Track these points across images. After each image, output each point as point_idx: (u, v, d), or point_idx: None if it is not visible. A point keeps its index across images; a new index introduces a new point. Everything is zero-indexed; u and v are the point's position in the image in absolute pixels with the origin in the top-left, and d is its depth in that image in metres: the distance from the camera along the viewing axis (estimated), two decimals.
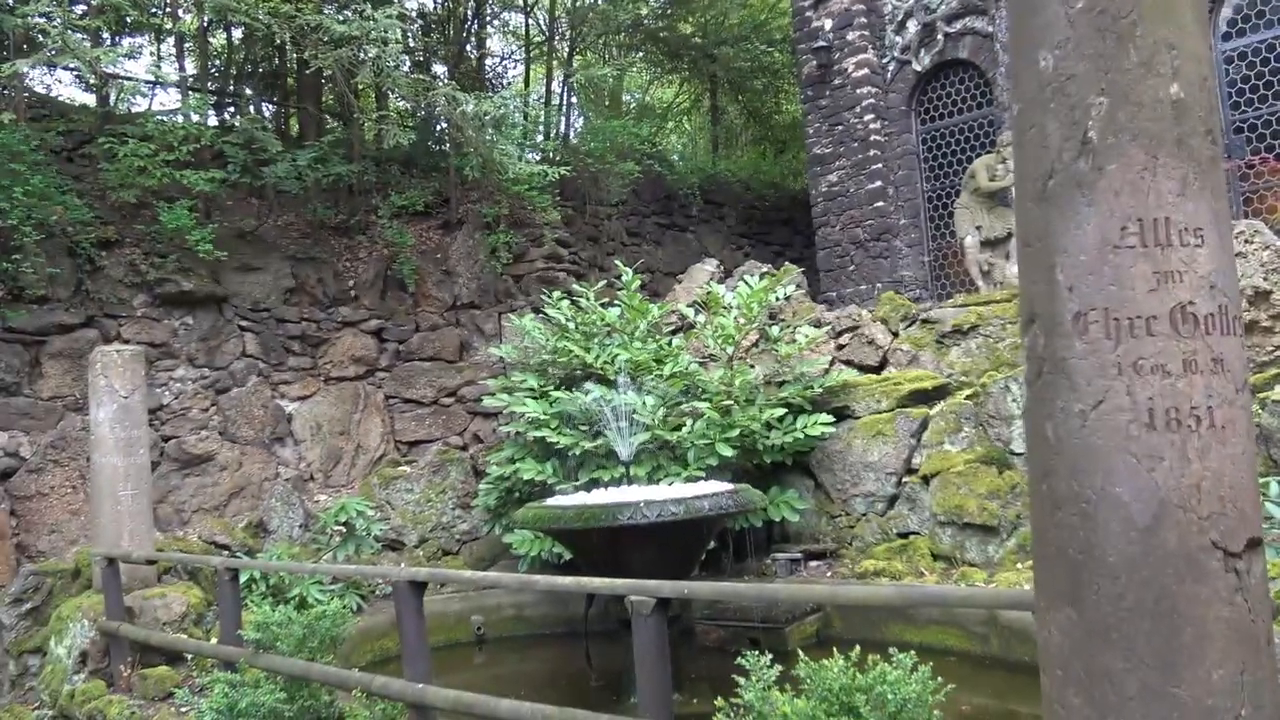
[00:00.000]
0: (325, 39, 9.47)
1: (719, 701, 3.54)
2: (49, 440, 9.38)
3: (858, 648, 3.67)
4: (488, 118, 9.92)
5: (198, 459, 10.37)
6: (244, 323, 10.98)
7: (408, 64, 12.28)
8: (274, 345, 11.24)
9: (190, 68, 12.35)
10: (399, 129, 10.30)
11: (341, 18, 9.32)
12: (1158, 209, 1.75)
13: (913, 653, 3.66)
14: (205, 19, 11.71)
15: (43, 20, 7.92)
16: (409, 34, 12.82)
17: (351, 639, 7.55)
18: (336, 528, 8.84)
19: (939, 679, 3.46)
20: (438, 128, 13.50)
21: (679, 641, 6.88)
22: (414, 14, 12.97)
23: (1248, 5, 10.74)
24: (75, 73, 10.95)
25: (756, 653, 3.88)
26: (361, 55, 9.10)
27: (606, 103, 18.66)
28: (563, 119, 15.34)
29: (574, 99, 16.44)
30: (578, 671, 7.27)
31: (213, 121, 12.20)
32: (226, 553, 8.75)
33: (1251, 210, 10.47)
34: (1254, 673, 1.71)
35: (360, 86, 10.76)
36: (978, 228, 11.58)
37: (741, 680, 3.74)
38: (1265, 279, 8.06)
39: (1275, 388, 5.90)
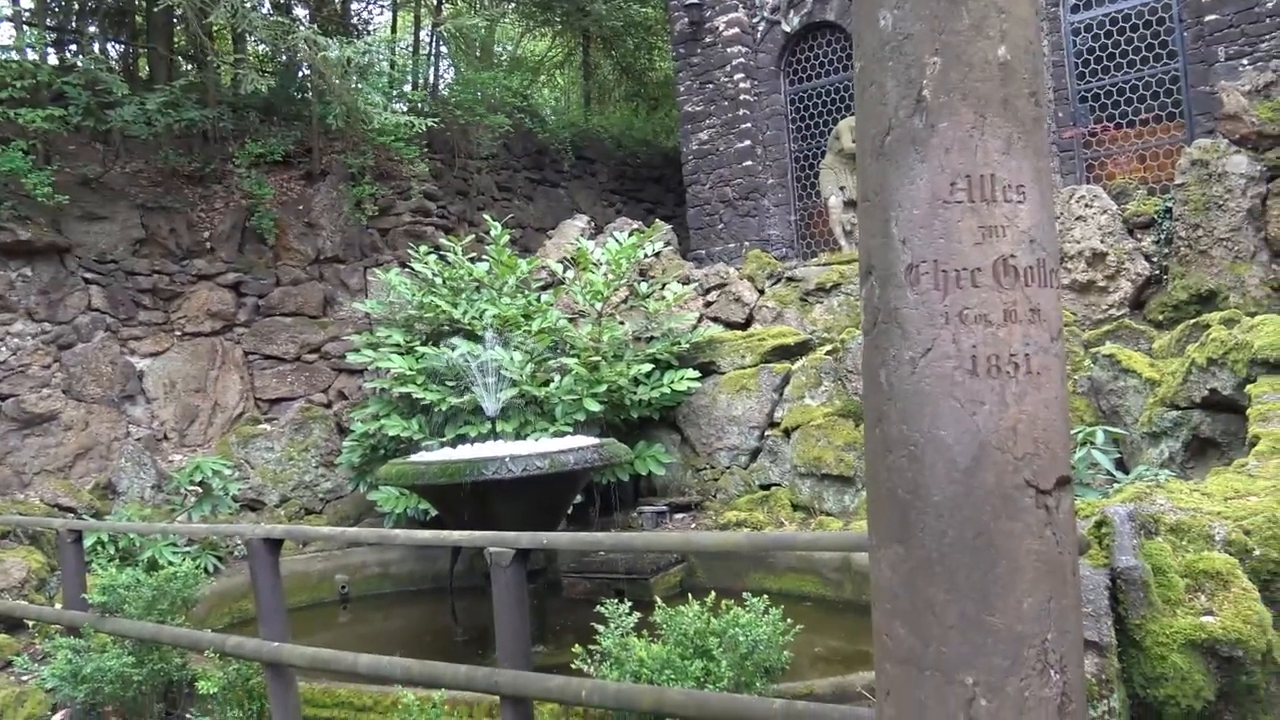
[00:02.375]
0: None
1: (576, 649, 3.60)
2: None
3: (712, 594, 3.79)
4: (351, 65, 9.57)
5: (39, 418, 9.81)
6: (89, 275, 10.39)
7: (267, 5, 11.72)
8: (123, 299, 10.69)
9: (27, 1, 11.51)
10: (257, 74, 9.83)
11: None
12: (984, 166, 1.84)
13: (765, 598, 3.79)
14: None
15: None
16: None
17: (207, 601, 7.34)
18: (191, 488, 8.54)
19: (789, 622, 3.60)
20: (300, 74, 12.97)
21: (545, 594, 6.96)
22: None
23: None
24: None
25: (616, 601, 3.96)
26: None
27: (478, 54, 18.28)
28: (431, 69, 14.95)
29: (444, 49, 16.03)
30: (444, 627, 7.26)
31: (53, 60, 11.40)
32: (71, 515, 8.34)
33: (1094, 176, 11.05)
34: (1060, 601, 1.85)
35: (215, 28, 10.21)
36: (841, 188, 11.89)
37: (601, 629, 3.82)
38: (1102, 241, 8.55)
39: (1105, 343, 6.29)
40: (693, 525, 8.32)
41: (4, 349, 9.78)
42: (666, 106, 18.09)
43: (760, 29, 13.42)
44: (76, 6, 12.77)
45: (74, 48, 12.39)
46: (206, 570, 7.76)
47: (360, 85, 9.98)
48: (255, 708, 4.44)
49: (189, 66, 12.23)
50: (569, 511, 8.35)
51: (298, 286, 11.89)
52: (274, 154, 11.72)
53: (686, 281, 10.08)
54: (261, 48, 13.20)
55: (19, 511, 8.05)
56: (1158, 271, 8.52)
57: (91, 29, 12.94)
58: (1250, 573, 3.05)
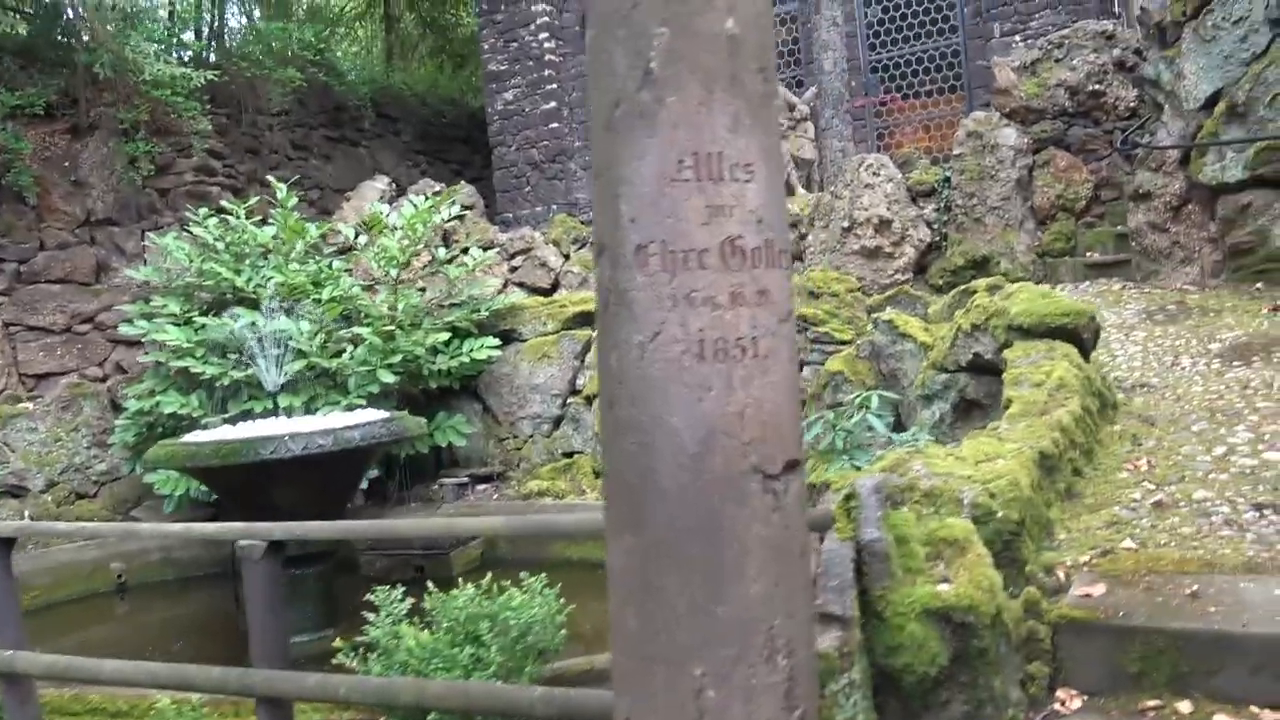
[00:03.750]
0: None
1: (338, 642, 3.43)
2: None
3: (489, 575, 3.69)
4: (116, 9, 8.76)
5: None
6: None
7: None
8: None
9: None
10: (8, 15, 8.86)
11: None
12: (712, 144, 1.78)
13: (544, 575, 3.73)
14: None
15: None
16: None
17: None
18: None
19: (563, 601, 3.54)
20: (64, 17, 11.81)
21: (337, 574, 6.69)
22: None
23: None
24: None
25: (389, 586, 3.81)
26: None
27: (271, 4, 17.20)
28: (215, 16, 13.93)
29: None
30: (229, 613, 6.88)
31: None
32: None
33: (883, 146, 11.51)
34: (787, 584, 1.84)
35: None
36: None
37: (372, 617, 3.66)
38: (888, 209, 8.89)
39: (885, 308, 6.55)
40: (494, 496, 8.19)
41: None
42: (473, 64, 17.61)
43: None
44: None
45: None
46: None
47: (128, 33, 9.15)
48: None
49: None
50: (364, 487, 8.07)
51: (66, 251, 10.91)
52: (34, 105, 10.65)
53: (489, 247, 9.85)
54: None
55: None
56: (938, 238, 8.95)
57: None
58: (994, 534, 3.20)
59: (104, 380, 10.29)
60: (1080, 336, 4.86)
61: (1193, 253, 7.06)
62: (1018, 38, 10.57)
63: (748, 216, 1.80)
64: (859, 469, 4.88)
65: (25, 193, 10.40)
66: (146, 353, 8.53)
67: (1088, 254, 8.30)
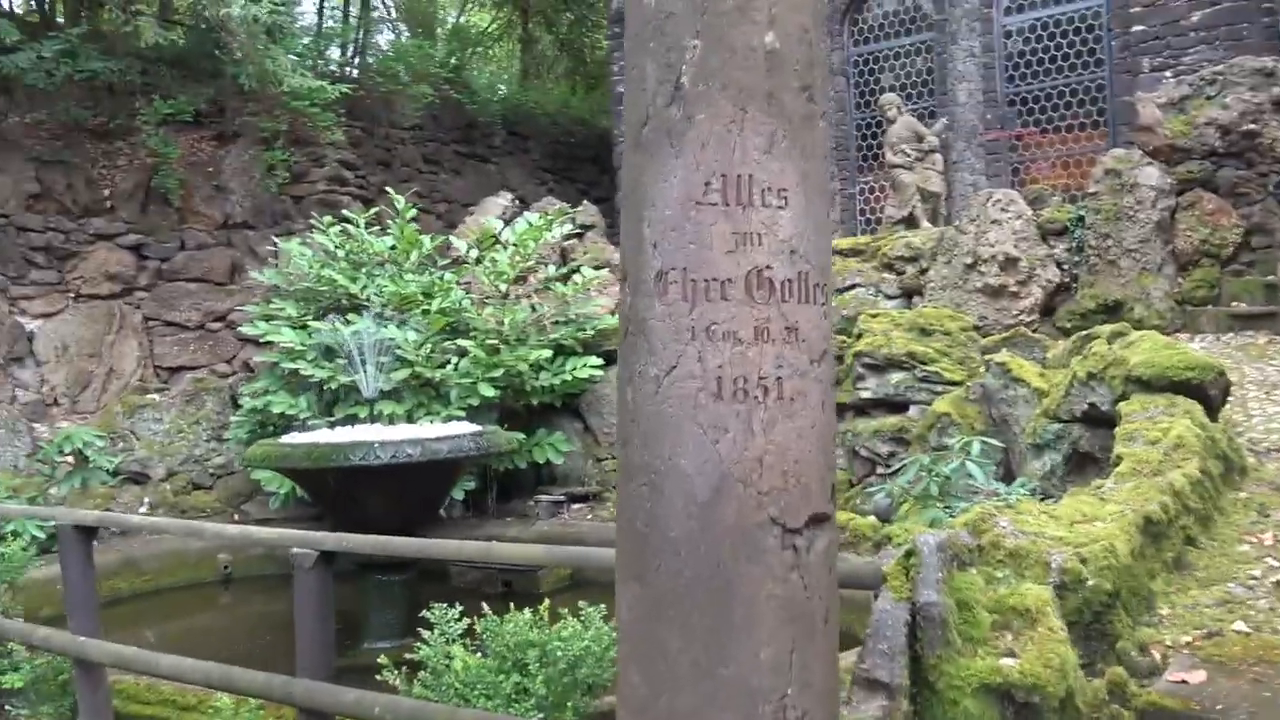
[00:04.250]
0: None
1: (382, 659, 3.39)
2: None
3: (546, 601, 3.59)
4: (258, 23, 9.17)
5: None
6: None
7: None
8: (13, 256, 10.21)
9: None
10: (159, 25, 9.38)
11: None
12: (742, 165, 1.64)
13: (603, 606, 3.60)
14: None
15: None
16: None
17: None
18: (62, 459, 8.14)
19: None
20: (216, 30, 12.47)
21: (426, 583, 6.71)
22: None
23: None
24: None
25: (446, 605, 3.75)
26: None
27: (418, 25, 17.79)
28: (360, 34, 14.48)
29: (375, 14, 15.55)
30: None
31: None
32: None
33: (1018, 181, 11.02)
34: (804, 651, 1.67)
35: None
36: None
37: (425, 633, 3.61)
38: (1015, 246, 8.48)
39: (1000, 350, 6.20)
40: (589, 516, 8.13)
41: None
42: (605, 86, 17.79)
43: None
44: None
45: None
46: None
47: (270, 46, 9.56)
48: (69, 703, 4.17)
49: (84, 13, 11.59)
50: (460, 498, 8.13)
51: (204, 251, 11.47)
52: (184, 112, 11.26)
53: (603, 266, 9.84)
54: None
55: None
56: (1068, 279, 8.47)
57: None
58: (1083, 604, 2.92)
59: (230, 376, 10.73)
60: (1206, 393, 4.46)
61: None
62: (1168, 73, 9.97)
63: (779, 246, 1.65)
64: (953, 519, 4.60)
65: (170, 195, 10.99)
66: (261, 353, 8.83)
67: (1233, 303, 7.71)
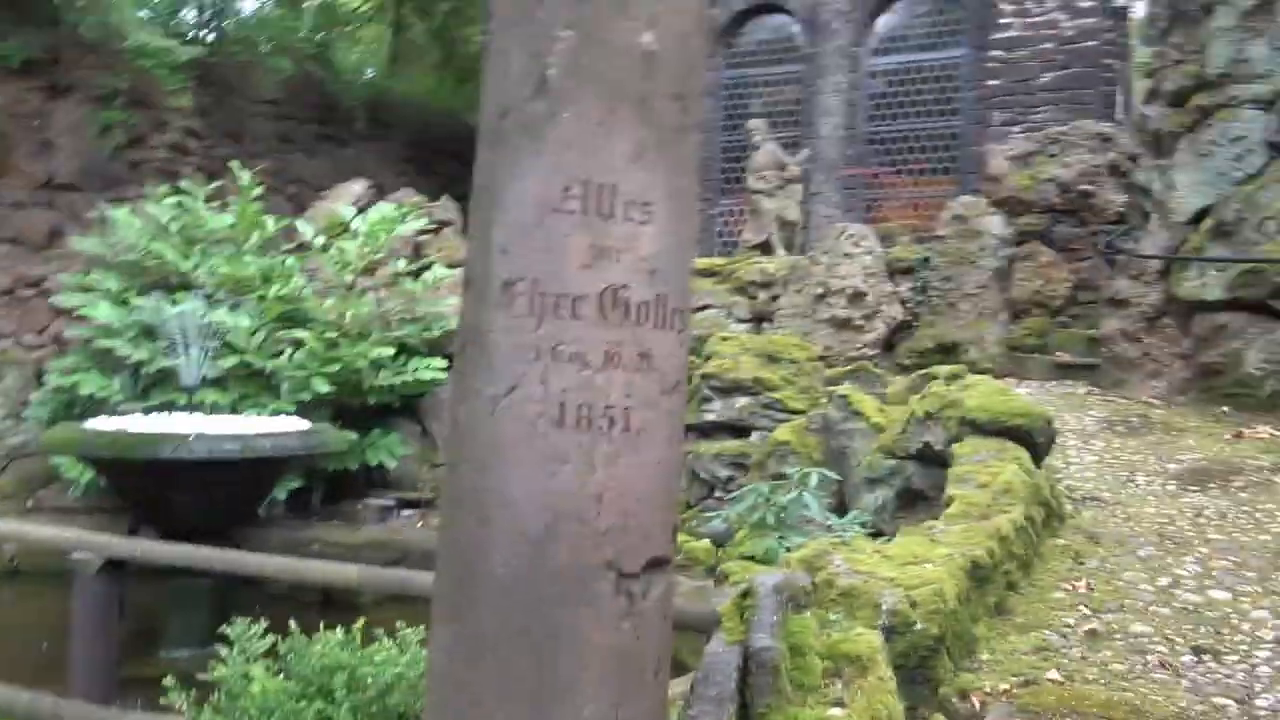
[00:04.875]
0: None
1: (168, 680, 3.08)
2: None
3: (361, 620, 3.35)
4: None
5: None
6: None
7: None
8: None
9: None
10: None
11: None
12: (607, 173, 1.50)
13: (422, 627, 3.39)
14: None
15: None
16: None
17: None
18: None
19: None
20: None
21: (235, 586, 6.28)
22: None
23: (897, 27, 11.58)
24: None
25: (249, 619, 3.45)
26: None
27: None
28: None
29: None
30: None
31: None
32: None
33: (870, 218, 11.35)
34: (633, 706, 1.54)
35: None
36: None
37: (224, 650, 3.31)
38: (864, 281, 8.69)
39: (844, 382, 6.29)
40: (419, 523, 7.82)
41: None
42: (476, 81, 17.44)
43: None
44: None
45: None
46: None
47: None
48: None
49: None
50: (282, 498, 7.68)
51: (20, 211, 10.53)
52: (11, 58, 10.32)
53: (456, 265, 9.55)
54: None
55: None
56: (910, 317, 8.73)
57: None
58: (910, 647, 2.91)
59: (38, 350, 9.87)
60: (1034, 440, 4.61)
61: (1163, 366, 6.86)
62: (1018, 128, 10.47)
63: (638, 264, 1.52)
64: (788, 550, 4.58)
65: None
66: (73, 327, 8.14)
67: (1057, 353, 8.11)
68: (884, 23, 11.63)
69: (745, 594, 2.32)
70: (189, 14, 13.20)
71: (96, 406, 7.41)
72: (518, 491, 1.49)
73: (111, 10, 9.03)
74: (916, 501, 5.18)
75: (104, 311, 7.34)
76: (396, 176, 15.47)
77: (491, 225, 1.54)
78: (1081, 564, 4.12)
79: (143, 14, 9.79)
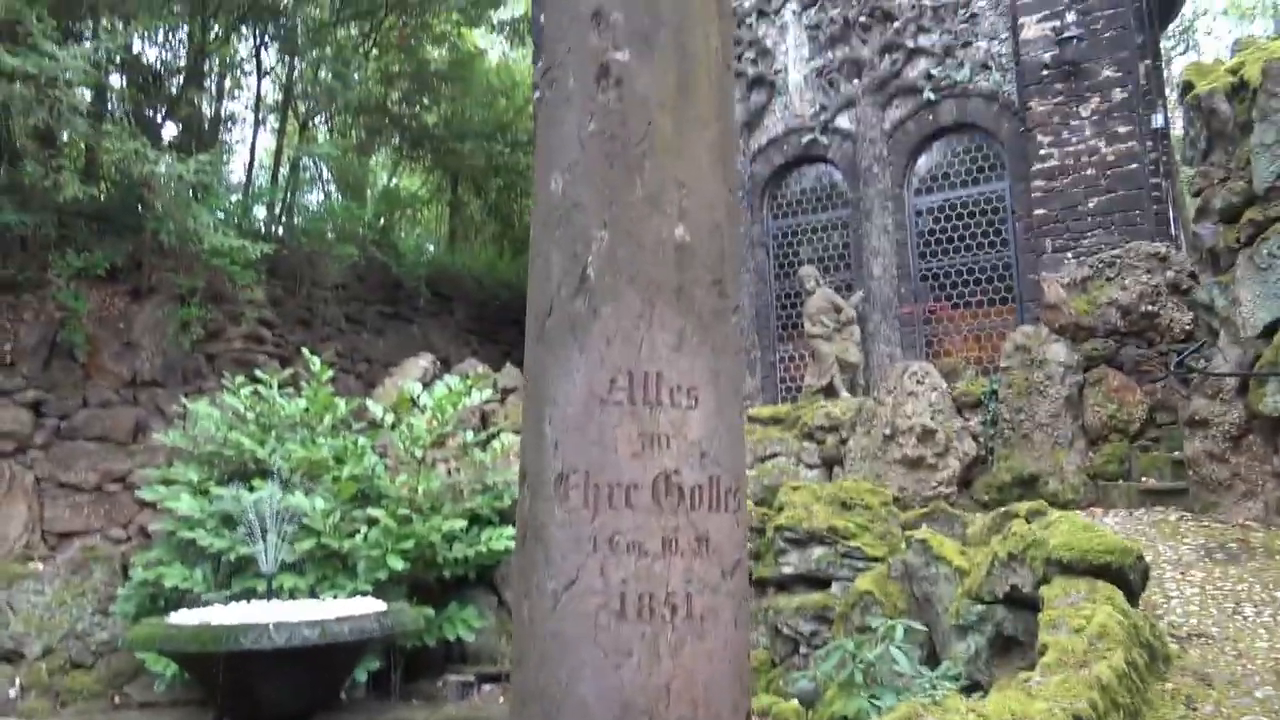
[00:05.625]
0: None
1: None
2: None
3: None
4: (182, 181, 9.11)
5: None
6: None
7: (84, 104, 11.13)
8: None
9: None
10: (75, 180, 9.27)
11: (17, 52, 8.36)
12: (650, 362, 1.55)
13: None
14: None
15: None
16: (108, 79, 11.71)
17: None
18: None
19: None
20: (140, 187, 12.40)
21: None
22: (122, 60, 11.86)
23: (937, 166, 11.81)
24: None
25: None
26: (41, 96, 8.15)
27: (348, 186, 18.03)
28: (287, 194, 14.53)
29: (305, 174, 15.70)
30: None
31: None
32: None
33: (932, 353, 11.30)
34: None
35: (38, 128, 9.64)
36: None
37: None
38: (932, 419, 8.58)
39: (921, 525, 6.14)
40: (500, 699, 7.67)
41: None
42: None
43: None
44: None
45: None
46: None
47: (193, 204, 9.49)
48: None
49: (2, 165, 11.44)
50: (362, 679, 7.62)
51: (108, 410, 11.00)
52: (98, 267, 11.01)
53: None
54: (107, 156, 12.61)
55: None
56: (984, 452, 8.56)
57: None
58: None
59: (125, 543, 10.11)
60: (1126, 577, 4.41)
61: (1255, 486, 6.58)
62: (1069, 254, 10.46)
63: (689, 448, 1.54)
64: (879, 709, 4.40)
65: (77, 350, 10.61)
66: (157, 521, 8.36)
67: (1143, 479, 7.83)
68: (924, 163, 11.87)
69: None
70: (259, 212, 14.03)
71: (180, 598, 7.53)
72: (584, 688, 1.47)
73: (189, 216, 9.62)
74: (1011, 648, 4.96)
75: (185, 503, 7.54)
76: (461, 348, 15.92)
77: (543, 420, 1.58)
78: (1194, 709, 3.87)
79: (219, 215, 10.39)
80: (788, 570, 7.09)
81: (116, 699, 8.17)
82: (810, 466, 9.43)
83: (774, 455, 9.54)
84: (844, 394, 10.41)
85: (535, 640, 1.54)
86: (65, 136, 10.55)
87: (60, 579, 8.73)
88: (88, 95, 10.13)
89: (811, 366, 10.98)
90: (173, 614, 5.89)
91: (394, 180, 18.82)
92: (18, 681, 8.14)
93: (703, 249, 1.61)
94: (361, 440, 8.43)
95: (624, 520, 1.49)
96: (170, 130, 12.99)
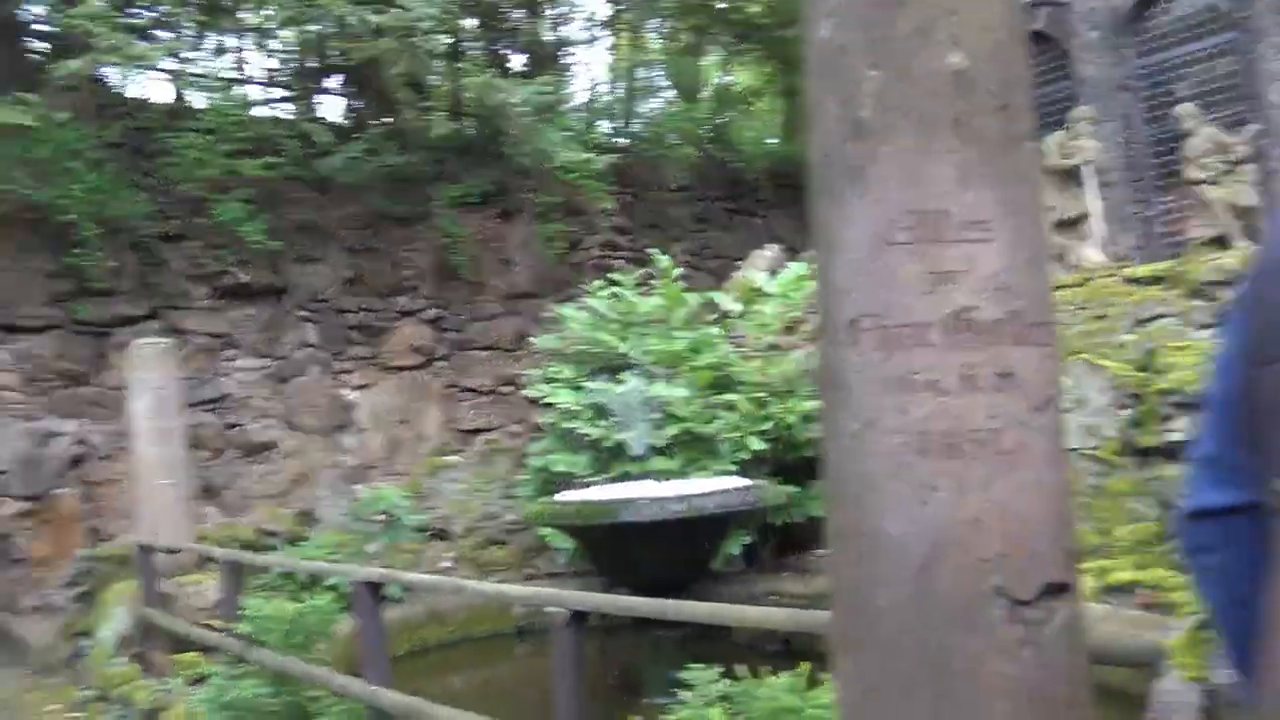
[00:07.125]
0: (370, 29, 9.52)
1: (631, 718, 3.38)
2: (115, 429, 9.71)
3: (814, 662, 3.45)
4: (528, 105, 9.82)
5: (260, 447, 10.64)
6: (303, 313, 11.19)
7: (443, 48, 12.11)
8: (335, 336, 11.44)
9: (270, 62, 12.63)
10: (444, 119, 10.28)
11: (374, 9, 9.37)
12: (934, 200, 1.50)
13: None
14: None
15: (86, 22, 8.14)
16: (455, 19, 12.71)
17: (391, 628, 7.61)
18: (376, 517, 8.94)
19: None
20: (496, 118, 13.48)
21: (706, 639, 6.69)
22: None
23: None
24: (149, 70, 11.19)
25: (708, 665, 3.71)
26: (400, 45, 9.12)
27: (683, 90, 18.38)
28: (630, 105, 15.15)
29: (641, 84, 16.22)
30: (617, 663, 7.16)
31: (266, 113, 12.35)
32: (274, 541, 8.95)
33: None
34: None
35: (402, 77, 10.75)
36: (1051, 208, 10.96)
37: (684, 695, 3.58)
38: None
39: None
40: None
41: (231, 382, 10.69)
42: None
43: None
44: (309, 65, 13.80)
45: (304, 101, 13.38)
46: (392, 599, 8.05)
47: (539, 124, 10.21)
48: None
49: (384, 116, 12.84)
50: (736, 552, 8.07)
51: (493, 321, 12.33)
52: (471, 195, 12.22)
53: None
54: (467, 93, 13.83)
55: (229, 536, 8.70)
56: None
57: (324, 84, 13.90)
58: None
59: (520, 437, 11.39)
60: None
61: None
62: None
63: (983, 283, 1.49)
64: None
65: (463, 271, 11.92)
66: (543, 414, 9.30)
67: None
68: None
69: (1203, 624, 2.08)
70: (602, 124, 14.76)
71: (568, 481, 8.38)
72: (891, 524, 1.50)
73: (540, 139, 10.35)
74: None
75: (564, 397, 8.32)
76: (807, 235, 15.89)
77: (830, 268, 1.60)
78: None
79: (566, 134, 11.09)
80: (1174, 437, 6.51)
81: (527, 571, 9.30)
82: (1203, 327, 8.47)
83: (1156, 317, 8.67)
84: (1239, 243, 9.19)
85: (843, 481, 1.59)
86: (430, 81, 11.66)
87: (472, 469, 10.02)
88: (444, 40, 11.09)
89: (1197, 216, 9.77)
90: (560, 493, 6.59)
91: (726, 77, 18.91)
92: (451, 555, 9.51)
93: (983, 75, 1.52)
94: (715, 331, 8.78)
95: (918, 359, 1.49)
96: (517, 62, 13.97)
